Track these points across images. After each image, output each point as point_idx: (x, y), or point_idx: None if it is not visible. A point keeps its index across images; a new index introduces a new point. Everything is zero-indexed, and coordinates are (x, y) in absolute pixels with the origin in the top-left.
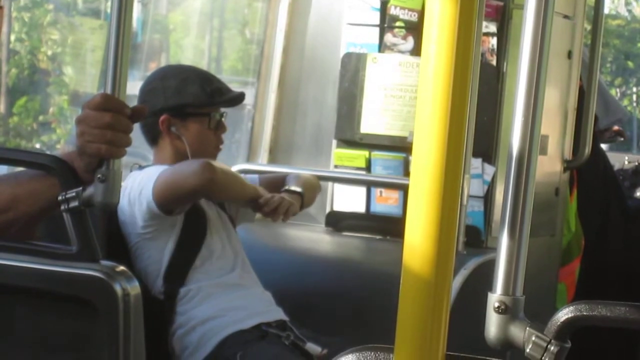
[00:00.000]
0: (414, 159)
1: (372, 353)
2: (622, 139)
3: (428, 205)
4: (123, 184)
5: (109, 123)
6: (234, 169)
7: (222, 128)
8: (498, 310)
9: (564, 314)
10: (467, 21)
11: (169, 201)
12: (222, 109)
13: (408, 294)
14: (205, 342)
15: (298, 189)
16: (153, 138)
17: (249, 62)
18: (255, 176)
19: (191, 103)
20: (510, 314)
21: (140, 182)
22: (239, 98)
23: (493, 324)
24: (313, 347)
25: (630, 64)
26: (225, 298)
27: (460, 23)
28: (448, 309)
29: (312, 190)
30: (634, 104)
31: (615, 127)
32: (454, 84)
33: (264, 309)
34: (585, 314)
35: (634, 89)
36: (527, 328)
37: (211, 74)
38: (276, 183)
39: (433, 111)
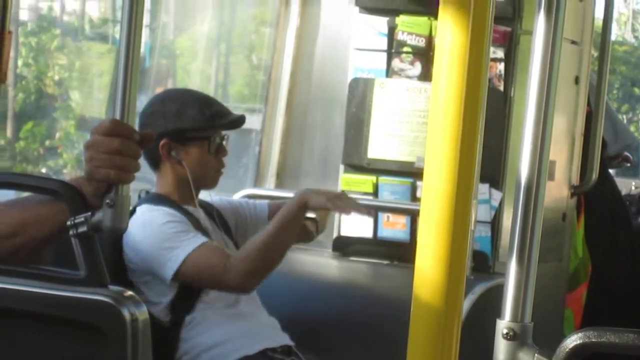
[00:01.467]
0: (424, 185)
1: None
2: (629, 164)
3: (438, 231)
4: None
5: (118, 149)
6: (241, 193)
7: (222, 151)
8: (506, 336)
9: (572, 340)
10: (478, 48)
11: (191, 283)
12: (224, 132)
13: (418, 320)
14: None
15: (313, 215)
16: (155, 163)
17: (256, 87)
18: (265, 203)
19: (190, 127)
20: (519, 341)
21: (160, 236)
22: (239, 121)
23: (501, 351)
24: None
25: (637, 90)
26: (231, 325)
27: (472, 50)
28: (458, 336)
29: (325, 215)
30: None
31: (624, 154)
32: (464, 110)
33: (269, 334)
34: (593, 340)
35: None
36: (536, 355)
37: (211, 97)
38: None
39: (444, 137)
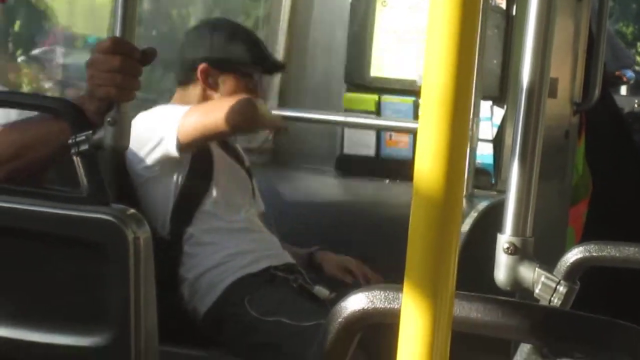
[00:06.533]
0: (422, 100)
1: (381, 292)
2: (624, 84)
3: (437, 145)
4: None
5: (119, 66)
6: None
7: (257, 92)
8: (507, 251)
9: (573, 254)
10: None
11: (196, 140)
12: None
13: (417, 232)
14: (213, 287)
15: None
16: (185, 81)
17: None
18: None
19: (236, 60)
20: (520, 255)
21: (157, 120)
22: (280, 66)
23: (502, 265)
24: (321, 290)
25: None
26: (234, 242)
27: None
28: (457, 247)
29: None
30: None
31: (617, 72)
32: (462, 26)
33: (271, 252)
34: (594, 254)
35: None
36: (536, 269)
37: (258, 37)
38: None
39: (442, 54)
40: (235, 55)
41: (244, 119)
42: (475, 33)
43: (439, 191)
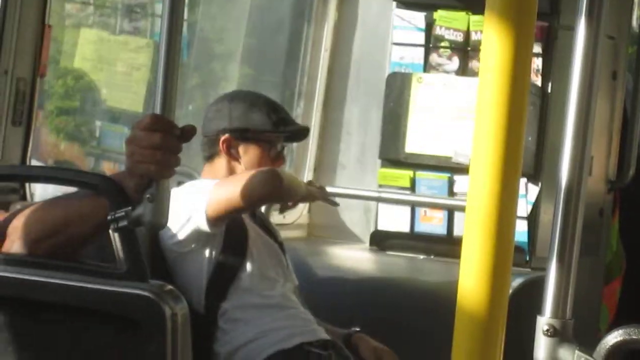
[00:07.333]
0: (470, 181)
1: None
2: None
3: (485, 228)
4: None
5: (159, 144)
6: None
7: (280, 160)
8: (547, 333)
9: (613, 337)
10: (523, 52)
11: (224, 214)
12: (285, 142)
13: (464, 317)
14: None
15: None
16: (210, 155)
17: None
18: None
19: (255, 128)
20: (559, 337)
21: (186, 196)
22: (303, 132)
23: (542, 347)
24: None
25: None
26: (268, 319)
27: (517, 52)
28: (503, 337)
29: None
30: None
31: None
32: (510, 109)
33: (305, 328)
34: (634, 337)
35: None
36: (577, 351)
37: (278, 103)
38: None
39: (489, 135)
40: (254, 123)
41: (268, 190)
42: (523, 115)
43: (485, 271)
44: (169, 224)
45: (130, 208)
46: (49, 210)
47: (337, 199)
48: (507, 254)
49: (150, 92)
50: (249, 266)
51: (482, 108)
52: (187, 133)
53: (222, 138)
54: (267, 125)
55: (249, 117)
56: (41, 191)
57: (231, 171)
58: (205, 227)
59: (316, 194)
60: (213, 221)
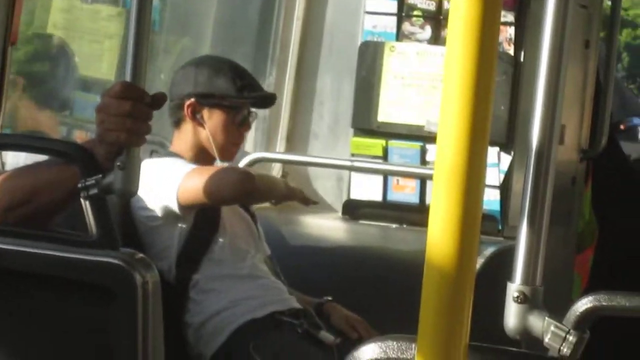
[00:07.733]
0: (437, 149)
1: (394, 342)
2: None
3: (452, 196)
4: None
5: (129, 111)
6: (251, 157)
7: (246, 126)
8: (517, 300)
9: (582, 304)
10: (491, 16)
11: (194, 205)
12: (253, 110)
13: (431, 284)
14: (219, 332)
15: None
16: (177, 121)
17: None
18: None
19: (219, 93)
20: (529, 304)
21: (160, 175)
22: (270, 98)
23: (512, 314)
24: (326, 336)
25: None
26: (239, 289)
27: (485, 18)
28: (471, 299)
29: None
30: None
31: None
32: (478, 76)
33: (276, 297)
34: (604, 304)
35: None
36: (546, 318)
37: (246, 70)
38: None
39: (457, 103)
40: (219, 88)
41: (238, 192)
42: (491, 83)
43: (453, 241)
44: (140, 196)
45: (100, 176)
46: (19, 178)
47: (310, 168)
48: (475, 220)
49: (123, 62)
50: (221, 238)
51: (449, 74)
52: (158, 100)
53: (187, 103)
54: (231, 91)
55: (213, 82)
56: (12, 159)
57: (197, 138)
58: (176, 209)
59: (298, 194)
60: (183, 207)
